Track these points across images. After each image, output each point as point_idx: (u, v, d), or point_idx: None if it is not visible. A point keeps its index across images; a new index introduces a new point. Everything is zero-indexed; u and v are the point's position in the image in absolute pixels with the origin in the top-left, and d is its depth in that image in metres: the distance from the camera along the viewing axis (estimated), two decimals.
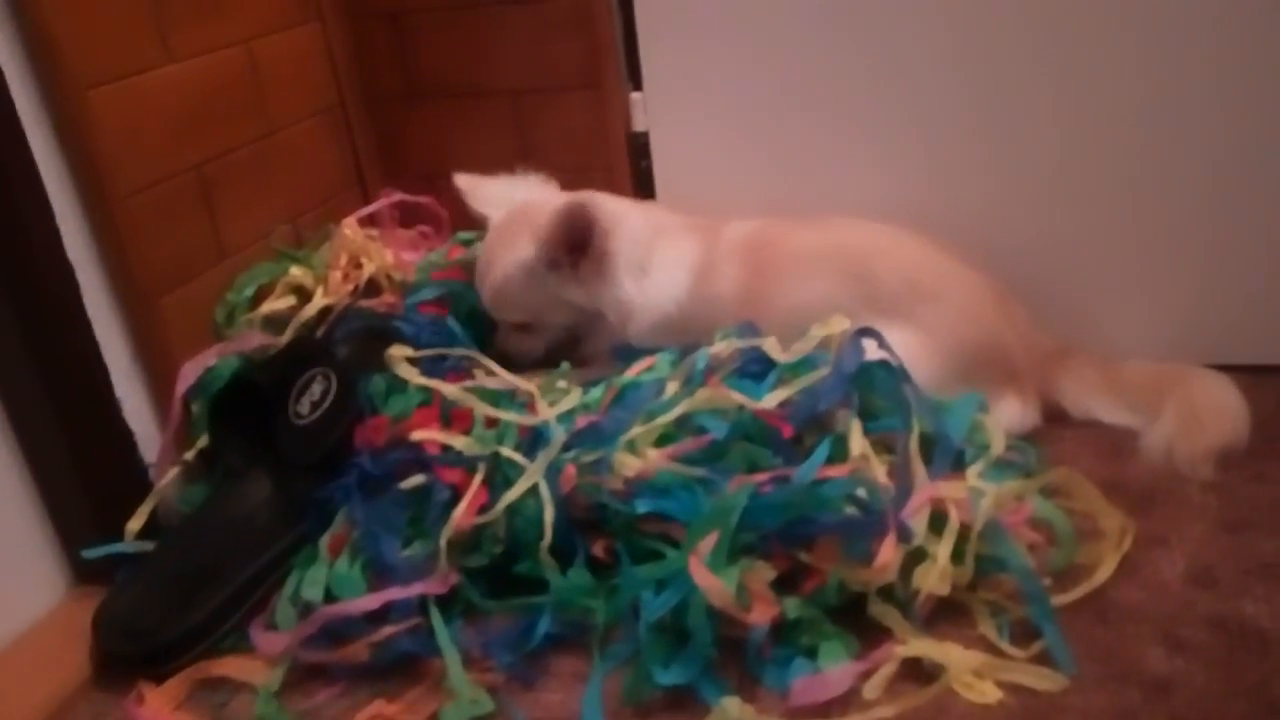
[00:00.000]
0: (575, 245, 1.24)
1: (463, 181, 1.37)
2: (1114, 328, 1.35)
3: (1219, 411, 1.19)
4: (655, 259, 1.30)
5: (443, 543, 1.02)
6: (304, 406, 1.16)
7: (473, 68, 1.55)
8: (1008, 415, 1.20)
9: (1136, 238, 1.34)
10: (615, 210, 1.28)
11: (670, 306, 1.28)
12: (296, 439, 1.14)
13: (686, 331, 1.25)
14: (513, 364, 1.27)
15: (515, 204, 1.34)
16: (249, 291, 1.32)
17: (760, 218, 1.34)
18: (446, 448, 1.10)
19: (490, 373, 1.21)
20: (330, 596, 1.03)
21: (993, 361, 1.21)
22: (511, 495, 1.04)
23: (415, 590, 1.01)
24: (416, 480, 1.08)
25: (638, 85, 1.49)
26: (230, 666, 1.03)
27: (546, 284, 1.27)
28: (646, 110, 1.49)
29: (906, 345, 1.13)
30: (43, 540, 1.12)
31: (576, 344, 1.35)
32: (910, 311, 1.20)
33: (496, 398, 1.17)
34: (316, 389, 1.16)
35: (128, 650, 1.04)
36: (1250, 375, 1.24)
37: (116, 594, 1.08)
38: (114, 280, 1.16)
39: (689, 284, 1.29)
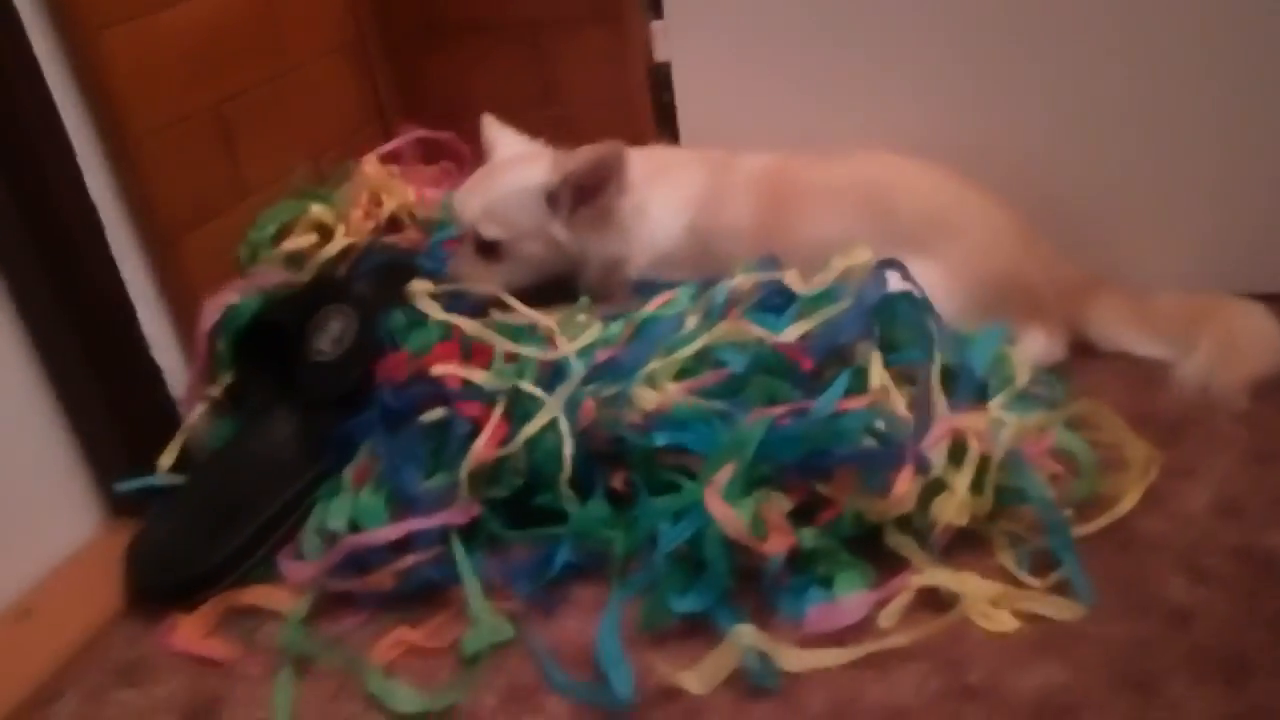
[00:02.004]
0: (587, 192, 1.25)
1: (490, 122, 1.37)
2: (1143, 256, 1.32)
3: (1258, 340, 1.16)
4: (652, 198, 1.29)
5: (464, 475, 1.03)
6: (324, 343, 1.16)
7: (494, 17, 1.52)
8: (1033, 348, 1.18)
9: (1165, 167, 1.30)
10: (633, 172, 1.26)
11: (667, 243, 1.28)
12: (317, 376, 1.15)
13: (695, 266, 1.25)
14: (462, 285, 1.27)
15: (525, 149, 1.35)
16: (271, 229, 1.32)
17: (778, 151, 1.31)
18: (466, 382, 1.10)
19: (511, 309, 1.21)
20: (355, 527, 1.05)
21: (1016, 295, 1.19)
22: (530, 429, 1.04)
23: (437, 520, 1.02)
24: (437, 414, 1.09)
25: (659, 13, 1.45)
26: (259, 595, 1.05)
27: (540, 214, 1.27)
28: (668, 39, 1.46)
29: (929, 281, 1.11)
30: (76, 474, 1.14)
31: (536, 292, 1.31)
32: (932, 246, 1.18)
33: (516, 333, 1.17)
34: (335, 326, 1.17)
35: (161, 582, 1.07)
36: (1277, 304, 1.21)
37: (148, 528, 1.11)
38: (136, 219, 1.17)
39: (690, 217, 1.28)
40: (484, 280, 1.27)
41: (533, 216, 1.27)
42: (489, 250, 1.29)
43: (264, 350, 1.19)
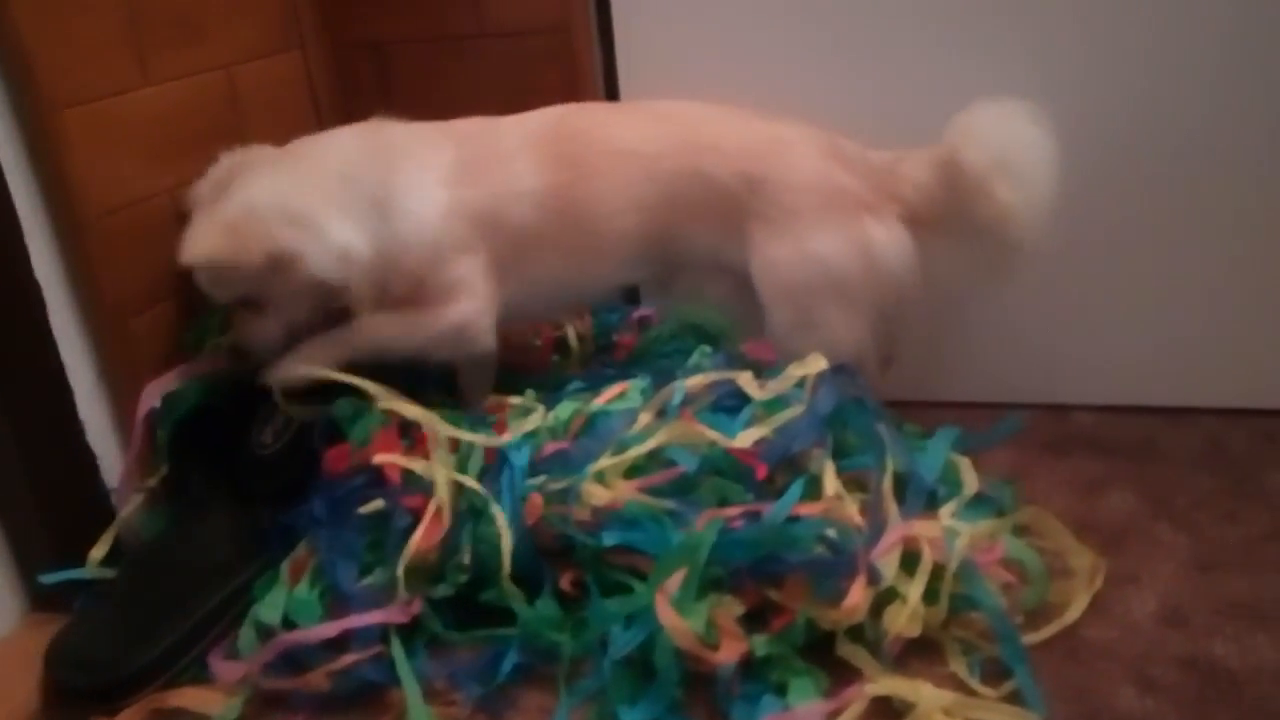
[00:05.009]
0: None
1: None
2: (1085, 371, 1.37)
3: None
4: (397, 187, 1.18)
5: (399, 571, 1.00)
6: (267, 436, 1.14)
7: (453, 100, 1.54)
8: (877, 244, 1.18)
9: (1114, 283, 1.35)
10: (293, 225, 1.11)
11: (430, 231, 1.17)
12: (258, 469, 1.12)
13: (493, 251, 1.20)
14: (254, 359, 1.17)
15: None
16: (219, 316, 1.30)
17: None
18: (408, 472, 1.08)
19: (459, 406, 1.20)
20: (290, 623, 1.01)
21: (840, 207, 1.19)
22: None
23: (374, 618, 0.99)
24: (376, 505, 1.07)
25: None
26: (187, 697, 1.00)
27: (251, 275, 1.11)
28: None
29: (773, 260, 1.18)
30: None
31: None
32: (757, 213, 1.19)
33: (459, 420, 1.14)
34: (278, 418, 1.15)
35: (82, 684, 1.01)
36: (1220, 418, 1.25)
37: (72, 625, 1.05)
38: (82, 301, 1.14)
39: (449, 195, 1.19)
40: (266, 337, 1.17)
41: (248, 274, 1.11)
42: (250, 307, 1.17)
43: (203, 440, 1.15)
